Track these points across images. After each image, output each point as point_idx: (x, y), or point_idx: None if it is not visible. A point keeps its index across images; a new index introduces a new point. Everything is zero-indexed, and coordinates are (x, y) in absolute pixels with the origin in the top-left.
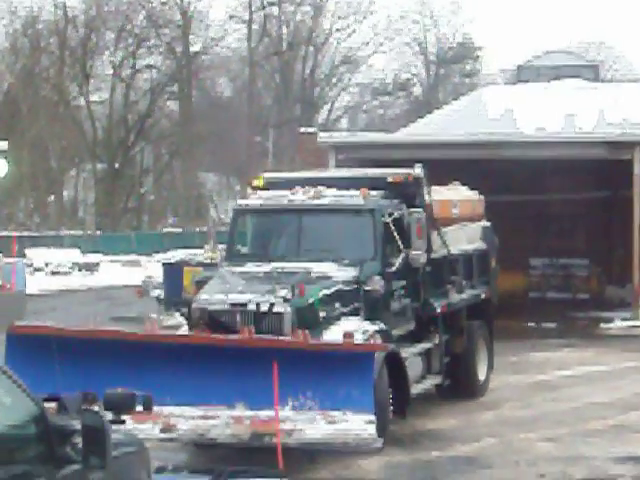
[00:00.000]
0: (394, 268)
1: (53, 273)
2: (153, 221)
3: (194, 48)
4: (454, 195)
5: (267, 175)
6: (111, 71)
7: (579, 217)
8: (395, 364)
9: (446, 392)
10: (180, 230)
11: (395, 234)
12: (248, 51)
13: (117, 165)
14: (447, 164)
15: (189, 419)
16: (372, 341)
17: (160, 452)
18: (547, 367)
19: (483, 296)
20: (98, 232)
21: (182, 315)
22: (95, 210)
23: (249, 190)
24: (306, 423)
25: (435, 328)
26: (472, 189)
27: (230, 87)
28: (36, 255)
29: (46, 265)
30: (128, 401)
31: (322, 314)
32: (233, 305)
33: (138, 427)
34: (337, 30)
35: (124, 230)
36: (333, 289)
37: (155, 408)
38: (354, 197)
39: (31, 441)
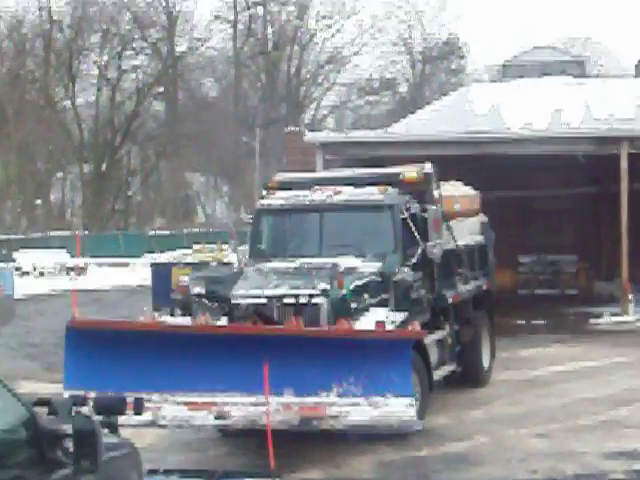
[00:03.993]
0: (413, 261)
1: (41, 275)
2: (141, 223)
3: (180, 49)
4: (454, 191)
5: (281, 176)
6: (97, 73)
7: (567, 213)
8: (419, 351)
9: (453, 380)
10: (168, 232)
11: (413, 228)
12: (234, 51)
13: (104, 167)
14: (434, 161)
15: (241, 406)
16: (411, 328)
17: (151, 454)
18: (537, 363)
19: (484, 287)
20: (86, 232)
21: (171, 314)
22: (82, 212)
23: (264, 191)
24: (351, 407)
25: (446, 318)
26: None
27: (216, 87)
28: (24, 258)
29: (34, 268)
30: (118, 404)
31: (353, 305)
32: (270, 298)
33: (193, 415)
34: (322, 29)
35: (112, 232)
36: (362, 281)
37: (208, 396)
38: (373, 194)
39: (21, 445)
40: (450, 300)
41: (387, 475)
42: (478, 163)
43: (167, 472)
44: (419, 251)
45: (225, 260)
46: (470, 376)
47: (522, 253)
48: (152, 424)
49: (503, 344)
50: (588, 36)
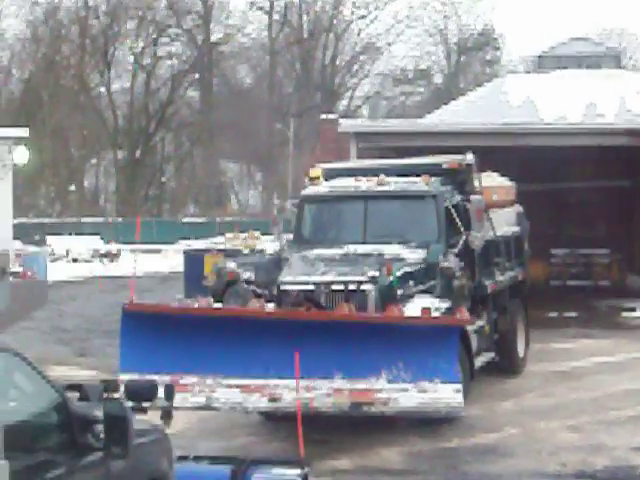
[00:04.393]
0: (456, 250)
1: (74, 260)
2: (174, 209)
3: (215, 36)
4: (492, 182)
5: (324, 166)
6: (132, 59)
7: (600, 206)
8: (462, 339)
9: (486, 369)
10: (201, 220)
11: (456, 218)
12: (269, 39)
13: (138, 153)
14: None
15: (293, 390)
16: (460, 315)
17: (181, 440)
18: (569, 356)
19: (520, 277)
20: (119, 219)
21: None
22: (116, 198)
23: (306, 180)
24: (400, 393)
25: (484, 307)
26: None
27: (251, 75)
28: (57, 243)
29: (67, 254)
30: (149, 391)
31: (399, 292)
32: (318, 285)
33: (247, 398)
34: (358, 18)
35: (145, 218)
36: (408, 269)
37: (260, 380)
38: (417, 183)
39: (53, 429)
40: (489, 289)
41: (416, 465)
42: (512, 155)
43: (197, 458)
44: (461, 240)
45: (258, 248)
46: (506, 364)
47: (554, 246)
48: (206, 407)
49: (535, 336)
50: (624, 28)
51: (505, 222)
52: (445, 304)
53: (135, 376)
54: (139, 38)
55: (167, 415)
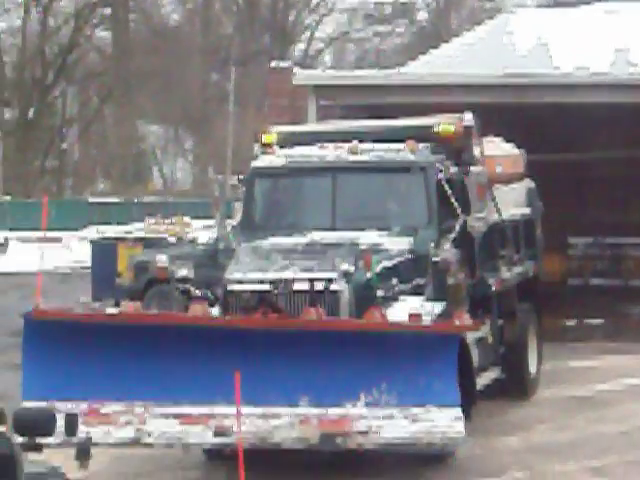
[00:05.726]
0: (451, 237)
1: None
2: (78, 186)
3: None
4: (495, 149)
5: (278, 129)
6: None
7: (634, 182)
8: (460, 352)
9: (492, 391)
10: (114, 199)
11: (450, 196)
12: None
13: (31, 112)
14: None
15: (247, 420)
16: (458, 321)
17: None
18: (590, 378)
19: (531, 273)
20: (7, 198)
21: (116, 305)
22: (2, 171)
23: (257, 148)
24: (383, 421)
25: (486, 311)
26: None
27: (179, 11)
28: None
29: None
30: (45, 422)
31: (379, 292)
32: (275, 283)
33: (188, 430)
34: None
35: (40, 198)
36: (389, 262)
37: (205, 408)
38: (400, 152)
39: None
40: (493, 287)
41: None
42: (519, 115)
43: None
44: (458, 225)
45: (189, 236)
46: (513, 386)
47: (574, 234)
48: (136, 442)
49: (548, 351)
50: None
51: (512, 202)
52: (438, 307)
53: (42, 404)
54: None
55: (84, 454)
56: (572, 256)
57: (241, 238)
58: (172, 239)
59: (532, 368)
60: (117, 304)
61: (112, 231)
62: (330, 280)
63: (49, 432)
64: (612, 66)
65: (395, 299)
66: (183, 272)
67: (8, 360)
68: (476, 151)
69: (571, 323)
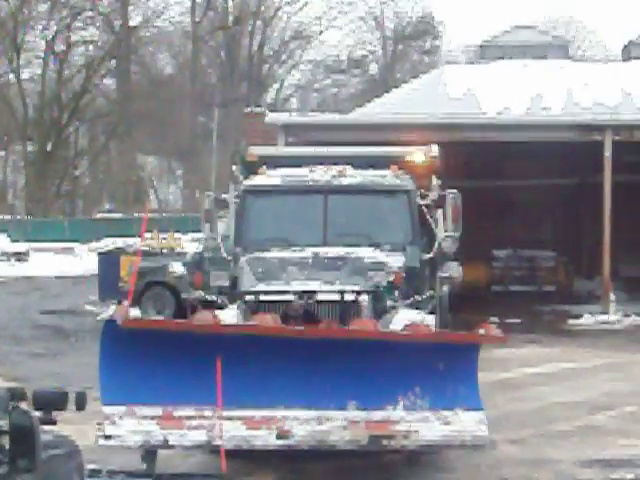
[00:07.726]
0: (431, 254)
1: None
2: (88, 207)
3: (133, 22)
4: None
5: (262, 150)
6: (44, 45)
7: (545, 205)
8: None
9: None
10: (117, 216)
11: (429, 217)
12: (192, 25)
13: (49, 146)
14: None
15: (304, 423)
16: (484, 331)
17: (94, 454)
18: (511, 364)
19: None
20: (28, 218)
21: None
22: (25, 194)
23: (235, 168)
24: (420, 424)
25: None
26: None
27: (172, 64)
28: None
29: None
30: (59, 399)
31: (389, 303)
32: (301, 295)
33: (253, 434)
34: (287, 3)
35: (56, 216)
36: (390, 277)
37: (267, 411)
38: (386, 177)
39: None
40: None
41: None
42: (451, 150)
43: (111, 473)
44: (437, 243)
45: (179, 249)
46: None
47: (497, 247)
48: (207, 445)
49: None
50: (572, 16)
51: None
52: (431, 319)
53: (123, 409)
54: (51, 22)
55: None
56: (495, 266)
57: (236, 250)
58: (164, 251)
59: None
60: (119, 303)
61: (116, 243)
62: (359, 292)
63: (62, 407)
64: (529, 110)
65: (396, 310)
66: (218, 282)
67: (29, 350)
68: (435, 179)
69: (495, 320)
